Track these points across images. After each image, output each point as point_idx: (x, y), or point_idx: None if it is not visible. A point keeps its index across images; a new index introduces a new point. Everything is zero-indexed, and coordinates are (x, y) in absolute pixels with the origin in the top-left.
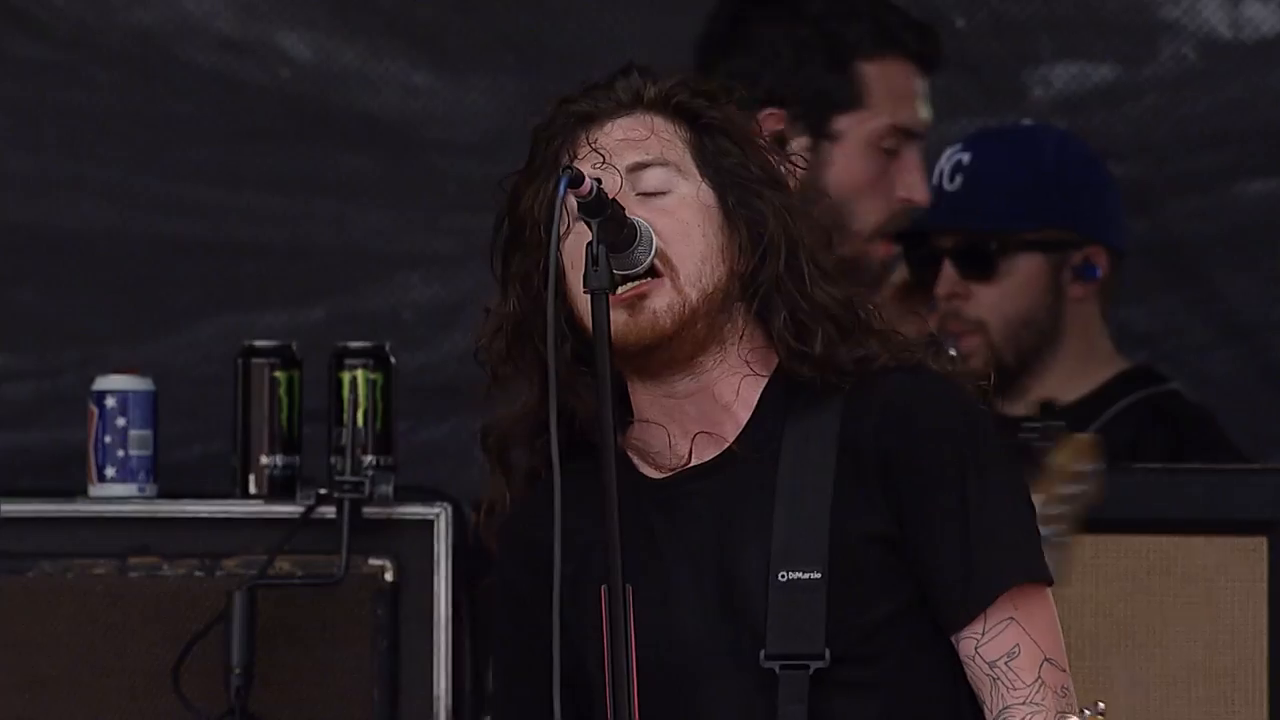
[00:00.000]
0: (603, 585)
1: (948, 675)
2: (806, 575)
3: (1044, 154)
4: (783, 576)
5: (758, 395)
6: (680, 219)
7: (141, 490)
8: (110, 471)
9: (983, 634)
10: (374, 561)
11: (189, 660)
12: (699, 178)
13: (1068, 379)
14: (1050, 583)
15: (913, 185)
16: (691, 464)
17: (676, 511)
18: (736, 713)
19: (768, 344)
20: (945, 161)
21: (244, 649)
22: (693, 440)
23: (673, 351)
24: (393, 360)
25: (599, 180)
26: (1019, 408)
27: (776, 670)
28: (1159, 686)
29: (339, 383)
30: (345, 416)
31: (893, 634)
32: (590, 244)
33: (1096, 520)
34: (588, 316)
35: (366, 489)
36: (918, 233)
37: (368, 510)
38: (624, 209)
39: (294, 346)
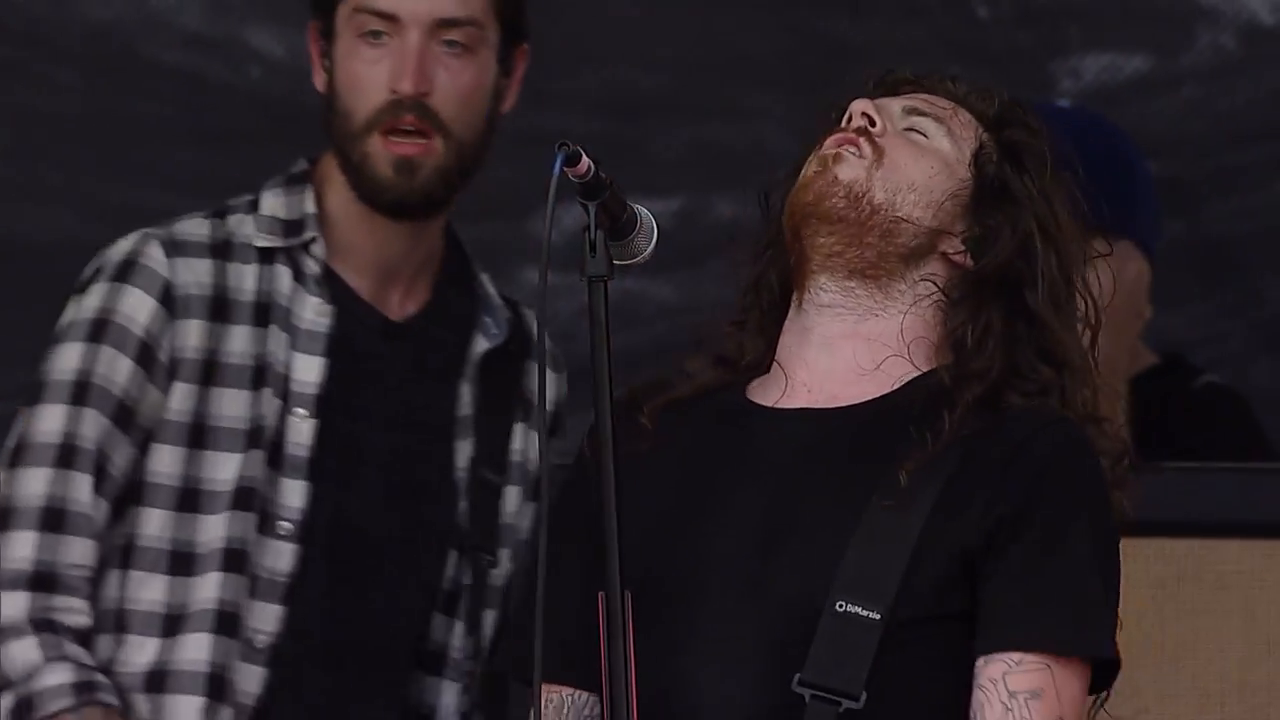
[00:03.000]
0: (600, 592)
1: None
2: (865, 614)
3: (1069, 135)
4: (840, 606)
5: (901, 376)
6: (919, 147)
7: None
8: None
9: (1018, 663)
10: None
11: None
12: (966, 153)
13: None
14: (1104, 659)
15: (396, 74)
16: (802, 405)
17: (775, 438)
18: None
19: (937, 340)
20: None
21: None
22: (812, 382)
23: (834, 239)
24: None
25: (597, 161)
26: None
27: (806, 697)
28: (1190, 701)
29: None
30: None
31: (932, 679)
32: (586, 228)
33: (1124, 523)
34: None
35: None
36: None
37: None
38: (623, 194)
39: None
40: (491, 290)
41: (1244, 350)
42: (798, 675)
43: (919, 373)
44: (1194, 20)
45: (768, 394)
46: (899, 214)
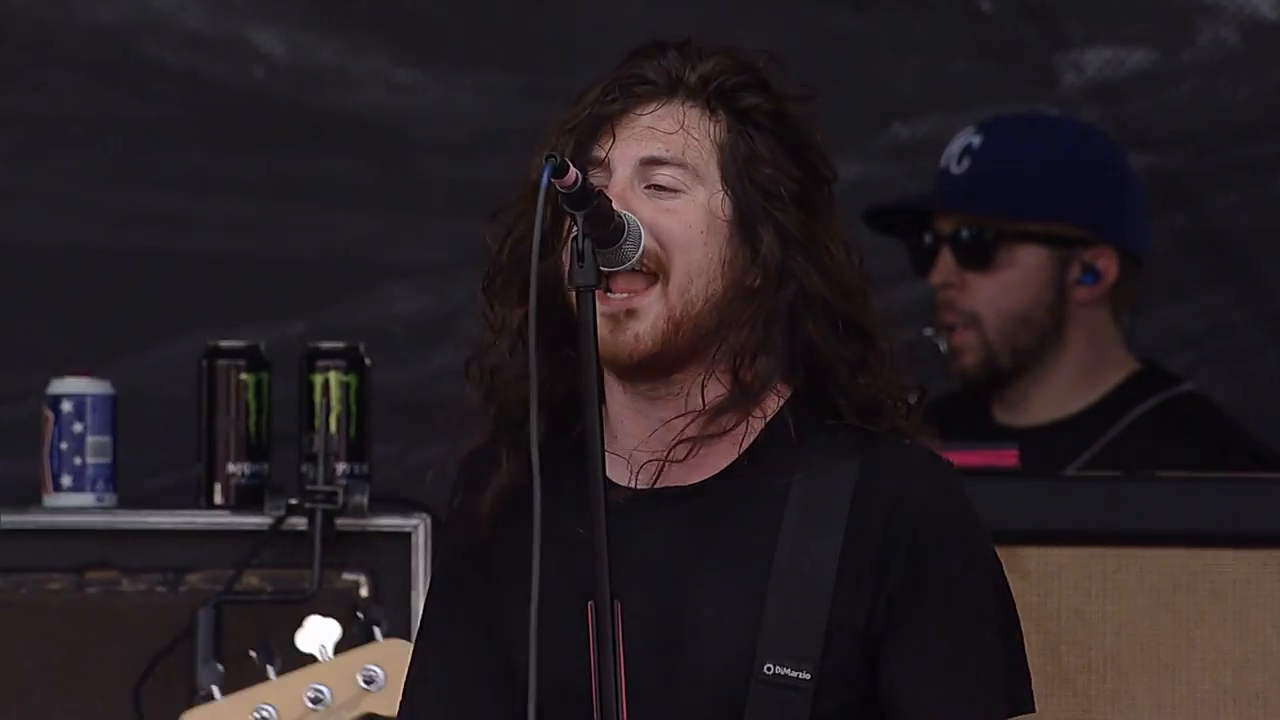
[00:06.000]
0: (589, 601)
1: None
2: (795, 674)
3: (1060, 144)
4: (769, 670)
5: (760, 424)
6: (684, 220)
7: (100, 500)
8: (66, 480)
9: None
10: (348, 576)
11: (151, 681)
12: (719, 186)
13: (1074, 386)
14: (1033, 710)
15: None
16: (668, 483)
17: (641, 529)
18: None
19: (778, 371)
20: (955, 144)
21: (210, 669)
22: (667, 454)
23: (652, 363)
24: (367, 362)
25: (584, 171)
26: (1021, 417)
27: None
28: (1185, 710)
29: (310, 386)
30: (317, 422)
31: None
32: (575, 238)
33: (1119, 533)
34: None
35: (340, 499)
36: (919, 216)
37: (341, 521)
38: (611, 201)
39: (262, 347)
40: None
41: (1251, 342)
42: None
43: (762, 422)
44: (1196, 14)
45: (622, 471)
46: (698, 302)
